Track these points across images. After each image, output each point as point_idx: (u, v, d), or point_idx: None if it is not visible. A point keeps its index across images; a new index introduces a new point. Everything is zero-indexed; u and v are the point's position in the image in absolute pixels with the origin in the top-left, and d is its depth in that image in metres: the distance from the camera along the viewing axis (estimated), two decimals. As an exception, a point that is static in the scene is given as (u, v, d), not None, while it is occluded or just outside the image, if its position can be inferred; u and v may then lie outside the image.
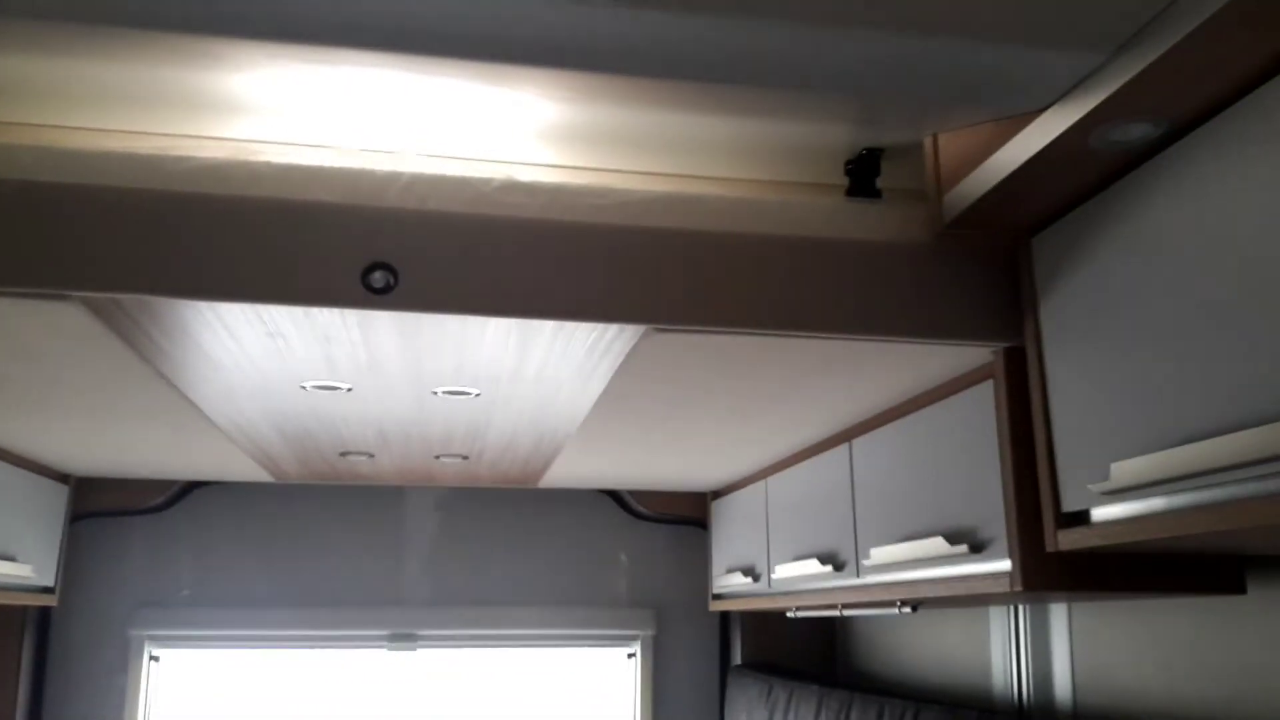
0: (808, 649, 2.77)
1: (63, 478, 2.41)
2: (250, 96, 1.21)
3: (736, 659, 2.80)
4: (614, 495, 2.88)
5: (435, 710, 2.81)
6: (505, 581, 2.78)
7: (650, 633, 2.81)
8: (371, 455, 2.21)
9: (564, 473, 2.41)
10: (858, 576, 1.72)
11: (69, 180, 1.14)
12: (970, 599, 1.52)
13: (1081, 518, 1.15)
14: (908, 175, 1.39)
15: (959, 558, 1.37)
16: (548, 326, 1.28)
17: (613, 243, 1.24)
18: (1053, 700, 1.73)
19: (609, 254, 1.24)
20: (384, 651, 2.72)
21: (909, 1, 0.93)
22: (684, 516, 2.86)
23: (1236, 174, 0.94)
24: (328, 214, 1.18)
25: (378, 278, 1.18)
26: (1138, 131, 1.03)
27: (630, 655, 2.84)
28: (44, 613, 2.53)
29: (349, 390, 1.63)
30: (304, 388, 1.61)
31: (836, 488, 1.84)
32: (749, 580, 2.30)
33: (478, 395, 1.67)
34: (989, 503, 1.32)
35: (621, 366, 1.45)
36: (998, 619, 1.91)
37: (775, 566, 2.12)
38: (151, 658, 2.60)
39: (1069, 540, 1.16)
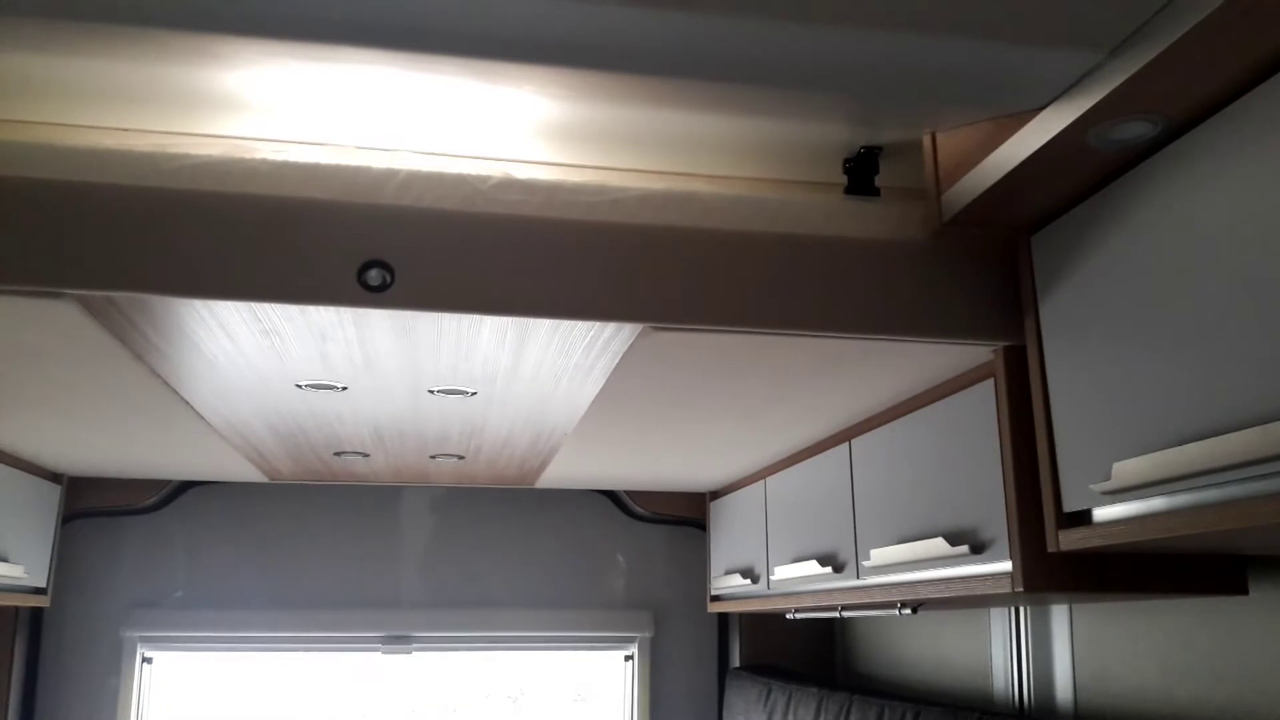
0: (807, 651, 2.76)
1: (55, 477, 2.40)
2: (246, 94, 1.21)
3: (735, 661, 2.79)
4: (611, 495, 2.87)
5: (430, 713, 2.80)
6: (501, 583, 2.77)
7: (648, 635, 2.80)
8: (366, 455, 2.21)
9: (561, 473, 2.41)
10: (857, 578, 1.71)
11: (63, 177, 1.13)
12: (971, 600, 1.52)
13: (1083, 518, 1.14)
14: (906, 173, 1.38)
15: (959, 558, 1.37)
16: (544, 325, 1.27)
17: (610, 241, 1.23)
18: (1054, 702, 1.73)
19: (606, 252, 1.23)
20: (379, 654, 2.71)
21: (907, 0, 0.92)
22: (682, 517, 2.86)
23: (1235, 172, 0.93)
24: (323, 212, 1.18)
25: (374, 276, 1.17)
26: (1136, 130, 1.02)
27: (628, 657, 2.83)
28: (36, 614, 2.52)
29: (344, 389, 1.62)
30: (299, 386, 1.60)
31: (836, 488, 1.83)
32: (748, 582, 2.29)
33: (474, 394, 1.66)
34: (989, 503, 1.32)
35: (619, 365, 1.44)
36: (998, 620, 1.91)
37: (774, 568, 2.11)
38: (144, 659, 2.59)
39: (1070, 540, 1.15)
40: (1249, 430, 0.88)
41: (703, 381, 1.51)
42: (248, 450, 2.12)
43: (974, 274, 1.31)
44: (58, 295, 1.15)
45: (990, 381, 1.34)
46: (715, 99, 1.14)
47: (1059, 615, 1.73)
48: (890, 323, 1.29)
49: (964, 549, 1.34)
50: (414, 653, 2.71)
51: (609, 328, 1.28)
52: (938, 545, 1.40)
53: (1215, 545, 1.14)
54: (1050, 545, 1.18)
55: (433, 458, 2.25)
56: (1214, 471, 0.92)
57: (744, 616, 2.76)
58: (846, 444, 1.80)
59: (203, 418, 1.79)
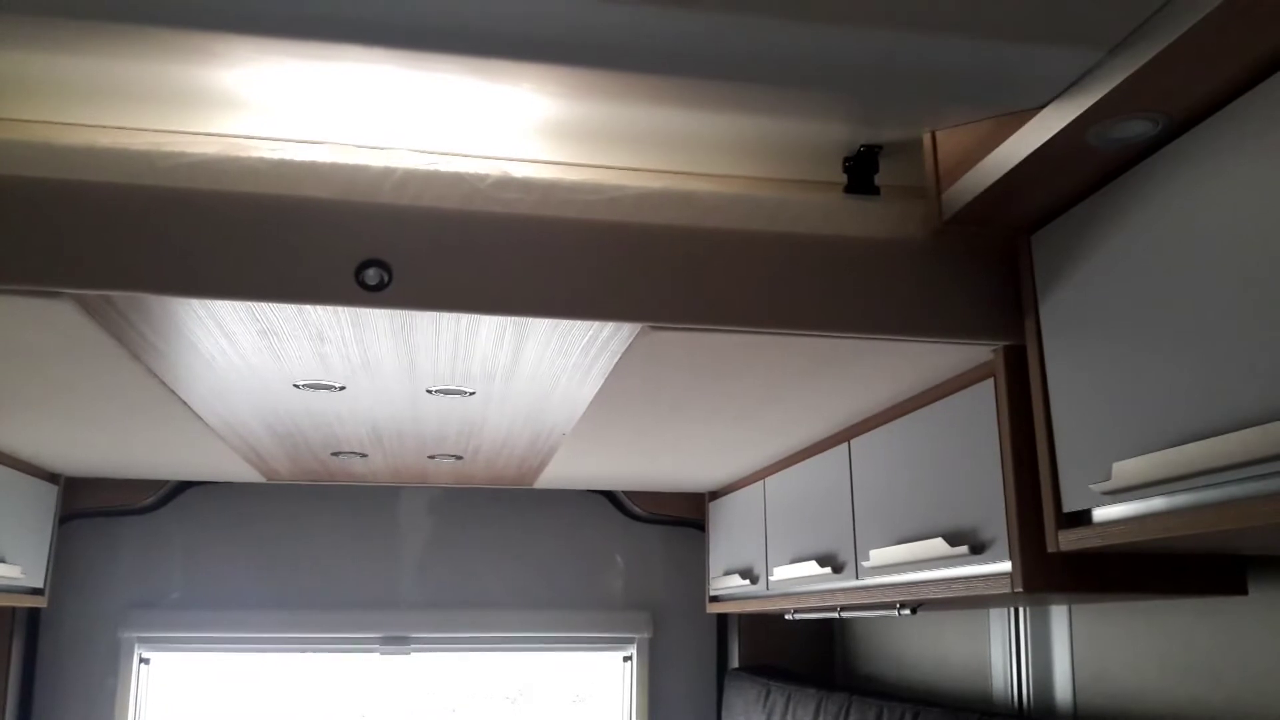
0: (806, 651, 2.76)
1: (52, 477, 2.39)
2: (243, 92, 1.20)
3: (734, 662, 2.78)
4: (610, 496, 2.86)
5: (429, 714, 2.80)
6: (500, 584, 2.76)
7: (646, 635, 2.80)
8: (364, 455, 2.20)
9: (559, 473, 2.40)
10: (857, 578, 1.71)
11: (60, 176, 1.13)
12: (970, 600, 1.51)
13: (1082, 518, 1.14)
14: (906, 172, 1.38)
15: (959, 559, 1.36)
16: (543, 325, 1.26)
17: (608, 240, 1.23)
18: (1053, 702, 1.72)
19: (605, 251, 1.23)
20: (377, 655, 2.70)
21: None
22: (681, 517, 2.85)
23: (1235, 171, 0.93)
24: (321, 210, 1.17)
25: (371, 275, 1.17)
26: (1136, 129, 1.02)
27: (626, 658, 2.82)
28: (33, 614, 2.51)
29: (342, 389, 1.61)
30: (296, 386, 1.60)
31: (835, 488, 1.83)
32: (747, 582, 2.29)
33: (472, 394, 1.65)
34: (989, 503, 1.31)
35: (617, 365, 1.44)
36: (998, 620, 1.90)
37: (773, 568, 2.11)
38: (141, 660, 2.58)
39: (1070, 541, 1.15)
40: (1249, 430, 0.88)
41: (702, 381, 1.51)
42: (245, 450, 2.11)
43: (974, 273, 1.31)
44: (55, 295, 1.14)
45: (990, 381, 1.34)
46: (714, 97, 1.14)
47: (1058, 615, 1.73)
48: (890, 322, 1.29)
49: (963, 549, 1.34)
50: (412, 653, 2.70)
51: (607, 327, 1.28)
52: (937, 545, 1.39)
53: (1215, 545, 1.14)
54: (1050, 545, 1.18)
55: (431, 458, 2.25)
56: (1213, 471, 0.92)
57: (743, 617, 2.76)
58: (846, 444, 1.80)
59: (200, 418, 1.78)
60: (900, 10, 0.94)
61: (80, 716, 2.49)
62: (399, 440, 2.04)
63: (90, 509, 2.55)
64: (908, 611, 1.63)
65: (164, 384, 1.55)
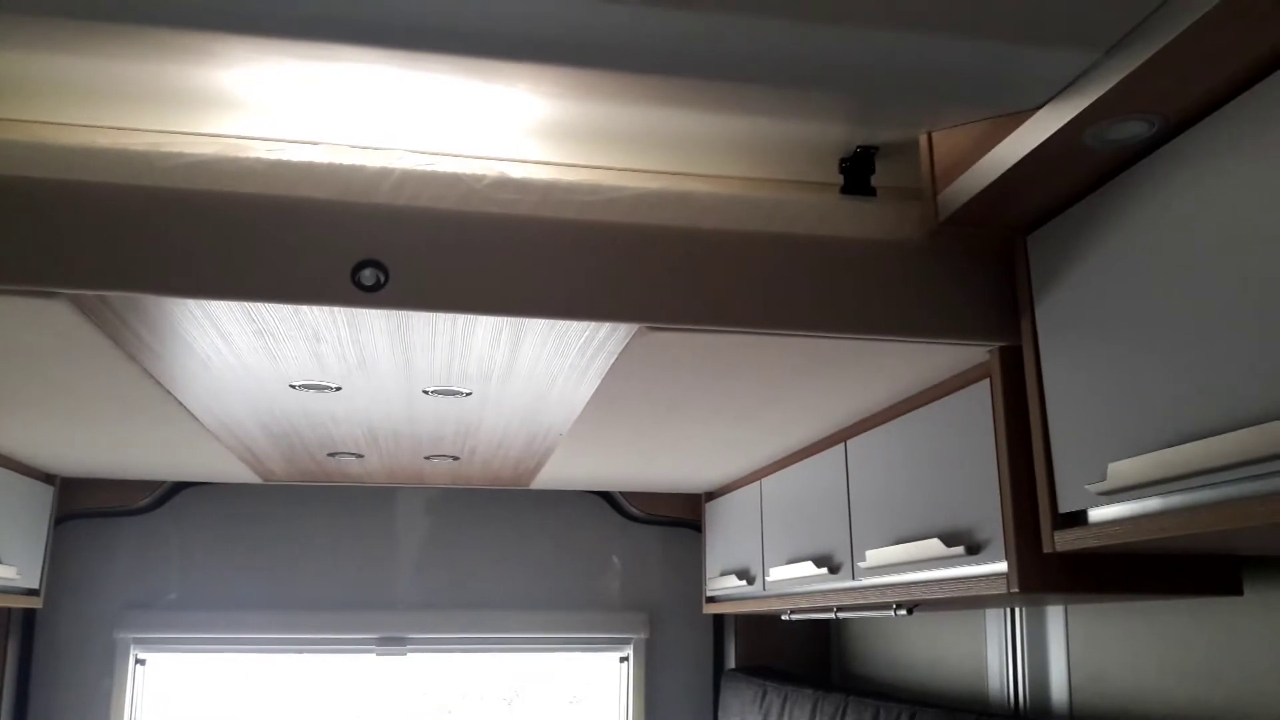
0: (802, 652, 2.76)
1: (48, 478, 2.39)
2: (240, 93, 1.20)
3: (730, 662, 2.78)
4: (607, 497, 2.86)
5: (425, 715, 2.79)
6: (496, 584, 2.76)
7: (643, 636, 2.80)
8: (361, 455, 2.20)
9: (556, 474, 2.40)
10: (853, 579, 1.71)
11: (56, 176, 1.13)
12: (966, 601, 1.52)
13: (1078, 518, 1.14)
14: (902, 173, 1.38)
15: (955, 559, 1.36)
16: (539, 325, 1.26)
17: (605, 240, 1.23)
18: (1049, 703, 1.72)
19: (601, 252, 1.23)
20: (373, 656, 2.70)
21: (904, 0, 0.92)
22: (677, 518, 2.85)
23: (1231, 172, 0.93)
24: (317, 211, 1.17)
25: (368, 275, 1.17)
26: (1132, 129, 1.02)
27: (623, 659, 2.82)
28: (28, 615, 2.51)
29: (338, 389, 1.61)
30: (293, 387, 1.59)
31: (832, 489, 1.83)
32: (743, 583, 2.29)
33: (468, 395, 1.65)
34: (985, 504, 1.32)
35: (614, 366, 1.44)
36: (994, 621, 1.91)
37: (770, 569, 2.11)
38: (137, 661, 2.58)
39: (1066, 541, 1.15)
40: (1244, 430, 0.88)
41: (698, 382, 1.51)
42: (241, 451, 2.11)
43: (970, 274, 1.31)
44: (51, 295, 1.14)
45: (986, 382, 1.34)
46: (711, 98, 1.14)
47: (1054, 616, 1.73)
48: (886, 323, 1.29)
49: (959, 550, 1.34)
50: (408, 654, 2.70)
51: (604, 328, 1.28)
52: (933, 546, 1.39)
53: (1210, 546, 1.14)
54: (1046, 546, 1.18)
55: (427, 459, 2.25)
56: (1209, 472, 0.92)
57: (739, 618, 2.76)
58: (842, 445, 1.80)
59: (196, 418, 1.78)
60: (897, 11, 0.94)
61: (76, 718, 2.49)
62: (395, 441, 2.04)
63: (86, 510, 2.54)
64: (904, 612, 1.64)
65: (160, 384, 1.55)
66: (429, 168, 1.21)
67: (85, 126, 1.28)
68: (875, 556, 1.57)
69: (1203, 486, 0.96)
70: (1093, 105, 0.98)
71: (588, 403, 1.66)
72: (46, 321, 1.22)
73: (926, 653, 2.19)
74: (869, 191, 1.35)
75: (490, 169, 1.24)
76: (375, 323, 1.26)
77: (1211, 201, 0.96)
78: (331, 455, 2.19)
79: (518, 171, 1.26)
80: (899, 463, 1.58)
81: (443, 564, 2.75)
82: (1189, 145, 0.99)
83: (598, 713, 2.86)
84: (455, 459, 2.25)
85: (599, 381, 1.53)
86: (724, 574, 2.48)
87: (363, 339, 1.33)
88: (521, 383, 1.57)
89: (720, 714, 2.71)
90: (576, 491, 2.84)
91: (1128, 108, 0.99)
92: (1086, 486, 1.09)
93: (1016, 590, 1.24)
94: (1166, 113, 0.99)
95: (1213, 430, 0.94)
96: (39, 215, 1.12)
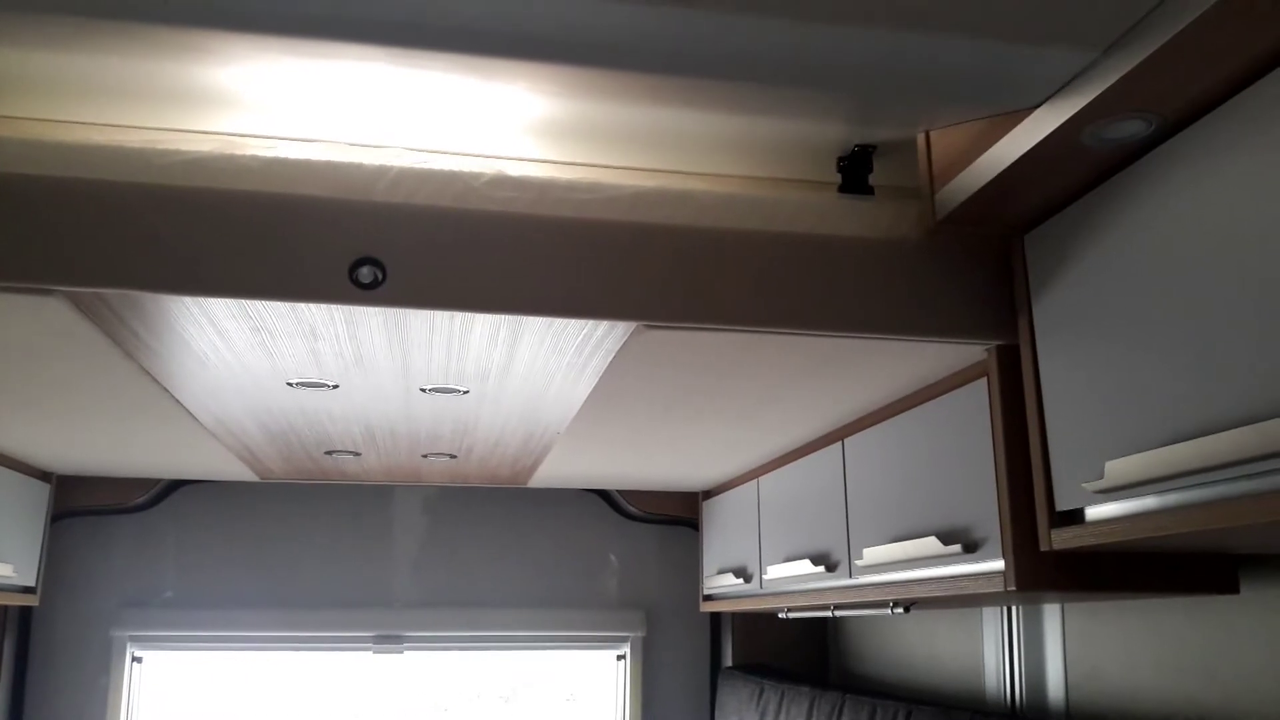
0: (799, 650, 2.76)
1: (44, 476, 2.38)
2: (237, 90, 1.20)
3: (727, 660, 2.79)
4: (604, 495, 2.86)
5: (422, 713, 2.79)
6: (493, 582, 2.76)
7: (640, 634, 2.80)
8: (358, 454, 2.20)
9: (553, 472, 2.40)
10: (850, 577, 1.71)
11: (53, 173, 1.12)
12: (963, 599, 1.52)
13: (1075, 517, 1.14)
14: (900, 172, 1.38)
15: (952, 558, 1.37)
16: (537, 323, 1.26)
17: (603, 238, 1.23)
18: (1045, 701, 1.73)
19: (599, 250, 1.23)
20: (370, 654, 2.70)
21: None
22: (675, 516, 2.85)
23: (1228, 171, 0.94)
24: (315, 208, 1.17)
25: (365, 273, 1.17)
26: (1130, 129, 1.02)
27: (620, 657, 2.82)
28: (25, 613, 2.50)
29: (335, 387, 1.61)
30: (290, 384, 1.59)
31: (829, 487, 1.83)
32: (740, 581, 2.29)
33: (466, 393, 1.65)
34: (982, 502, 1.32)
35: (611, 364, 1.44)
36: (991, 619, 1.91)
37: (767, 567, 2.11)
38: (134, 659, 2.58)
39: (1063, 539, 1.15)
40: (1241, 429, 0.88)
41: (696, 380, 1.51)
42: (238, 449, 2.11)
43: (967, 273, 1.31)
44: (47, 292, 1.14)
45: (983, 380, 1.34)
46: (709, 96, 1.14)
47: (1051, 614, 1.73)
48: (884, 321, 1.29)
49: (956, 548, 1.34)
50: (405, 652, 2.70)
51: (602, 326, 1.28)
52: (930, 544, 1.39)
53: (1207, 544, 1.14)
54: (1043, 544, 1.18)
55: (425, 457, 2.25)
56: (1206, 470, 0.92)
57: (736, 616, 2.76)
58: (839, 443, 1.80)
59: (193, 416, 1.78)
60: (895, 10, 0.94)
61: (73, 716, 2.48)
62: (392, 439, 2.04)
63: (82, 508, 2.54)
64: (901, 610, 1.64)
65: (157, 382, 1.55)
66: (426, 165, 1.21)
67: (82, 124, 1.28)
68: (872, 555, 1.57)
69: (1199, 485, 0.96)
70: (1090, 104, 0.98)
71: (585, 401, 1.66)
72: (43, 319, 1.22)
73: (923, 651, 2.19)
74: (867, 190, 1.35)
75: (488, 167, 1.24)
76: (373, 320, 1.26)
77: (1209, 200, 0.96)
78: (329, 453, 2.19)
79: (515, 169, 1.26)
80: (896, 461, 1.58)
81: (440, 562, 2.75)
82: (1186, 144, 0.99)
83: (594, 711, 2.86)
84: (453, 457, 2.25)
85: (596, 380, 1.53)
86: (721, 572, 2.48)
87: (360, 337, 1.33)
88: (519, 381, 1.57)
89: (717, 712, 2.71)
90: (574, 490, 2.84)
91: (1125, 107, 0.99)
92: (1083, 485, 1.10)
93: (1013, 589, 1.24)
94: (1164, 112, 0.99)
95: (1209, 429, 0.94)
96: (36, 212, 1.12)
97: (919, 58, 1.02)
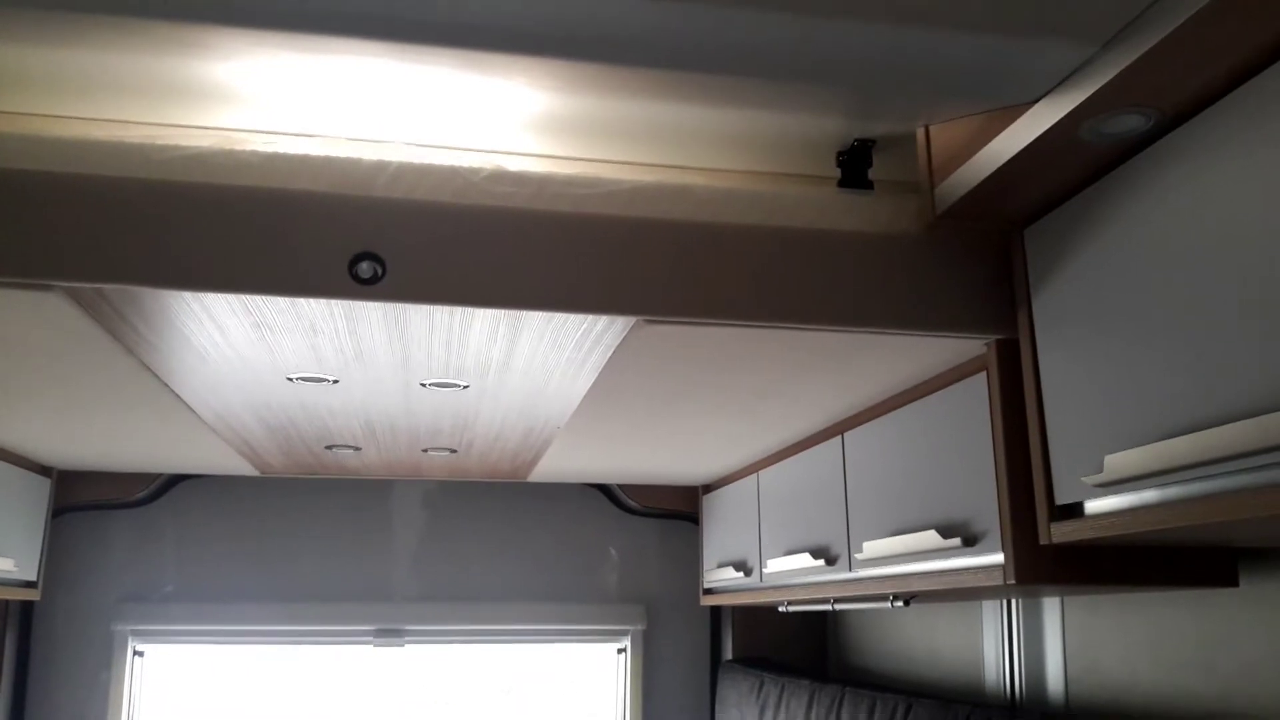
0: (799, 643, 2.77)
1: (44, 471, 2.39)
2: (236, 85, 1.20)
3: (727, 654, 2.79)
4: (604, 489, 2.87)
5: (422, 707, 2.80)
6: (494, 576, 2.77)
7: (640, 628, 2.80)
8: (358, 448, 2.20)
9: (553, 466, 2.40)
10: (850, 570, 1.72)
11: (52, 169, 1.12)
12: (963, 592, 1.52)
13: (1075, 510, 1.15)
14: (899, 167, 1.38)
15: (952, 551, 1.37)
16: (537, 318, 1.26)
17: (602, 233, 1.23)
18: (1045, 694, 1.73)
19: (599, 244, 1.23)
20: (370, 647, 2.71)
21: None
22: (675, 510, 2.86)
23: (1227, 166, 0.94)
24: (314, 203, 1.17)
25: (365, 268, 1.17)
26: (1129, 123, 1.02)
27: (620, 650, 2.83)
28: (26, 607, 2.51)
29: (335, 382, 1.61)
30: (290, 379, 1.59)
31: (828, 481, 1.83)
32: (740, 574, 2.29)
33: (466, 387, 1.65)
34: (982, 496, 1.32)
35: (611, 359, 1.44)
36: (990, 612, 1.91)
37: (767, 560, 2.12)
38: (135, 653, 2.58)
39: (1062, 533, 1.15)
40: (1241, 423, 0.88)
41: (696, 375, 1.51)
42: (238, 443, 2.11)
43: (967, 267, 1.31)
44: (47, 288, 1.14)
45: (983, 375, 1.35)
46: (708, 91, 1.14)
47: (1051, 607, 1.74)
48: (883, 316, 1.29)
49: (956, 542, 1.34)
50: (406, 646, 2.71)
51: (601, 321, 1.28)
52: (930, 538, 1.40)
53: (1206, 537, 1.14)
54: (1042, 538, 1.18)
55: (425, 451, 2.25)
56: (1206, 464, 0.92)
57: (736, 609, 2.76)
58: (839, 437, 1.80)
59: (193, 411, 1.78)
60: (894, 5, 0.94)
61: (74, 709, 2.49)
62: (392, 433, 2.04)
63: (83, 502, 2.54)
64: (900, 603, 1.64)
65: (157, 377, 1.55)
66: (426, 161, 1.21)
67: (82, 119, 1.28)
68: (872, 548, 1.57)
69: (1199, 479, 0.96)
70: (1089, 99, 0.98)
71: (585, 396, 1.66)
72: (43, 314, 1.22)
73: (923, 644, 2.20)
74: (866, 185, 1.35)
75: (487, 162, 1.24)
76: (372, 315, 1.26)
77: (1208, 195, 0.96)
78: (329, 448, 2.19)
79: (515, 164, 1.26)
80: (896, 455, 1.58)
81: (440, 556, 2.75)
82: (1185, 139, 0.99)
83: (595, 704, 2.87)
84: (453, 452, 2.26)
85: (596, 375, 1.54)
86: (721, 566, 2.48)
87: (360, 332, 1.33)
88: (519, 376, 1.57)
89: (717, 705, 2.72)
90: (574, 484, 2.84)
91: (1124, 101, 0.99)
92: (1083, 479, 1.10)
93: (1013, 582, 1.24)
94: (1163, 106, 0.99)
95: (1209, 423, 0.94)
96: (35, 208, 1.12)
97: (918, 52, 1.02)
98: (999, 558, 1.27)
